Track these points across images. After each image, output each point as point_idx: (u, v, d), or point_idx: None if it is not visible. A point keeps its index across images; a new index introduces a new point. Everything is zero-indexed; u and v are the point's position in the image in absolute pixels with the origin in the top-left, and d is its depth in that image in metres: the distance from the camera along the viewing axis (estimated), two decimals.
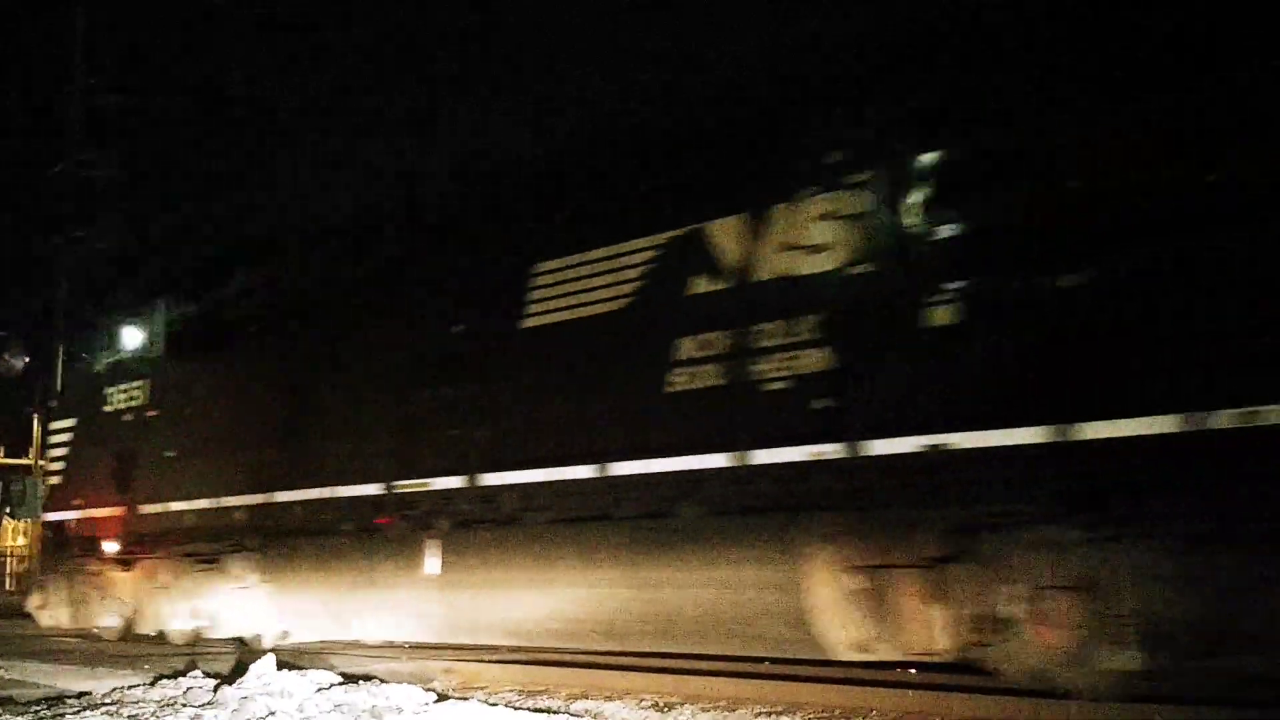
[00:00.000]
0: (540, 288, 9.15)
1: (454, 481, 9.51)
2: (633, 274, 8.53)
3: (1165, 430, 6.02)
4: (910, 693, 7.40)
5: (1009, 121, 6.91)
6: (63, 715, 7.48)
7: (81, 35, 30.55)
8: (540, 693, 8.69)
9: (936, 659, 7.36)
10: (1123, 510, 6.40)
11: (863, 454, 7.18)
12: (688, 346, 8.08)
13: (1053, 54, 6.92)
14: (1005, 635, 6.91)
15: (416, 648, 11.28)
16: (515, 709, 7.31)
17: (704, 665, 8.93)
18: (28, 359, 16.15)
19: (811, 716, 7.31)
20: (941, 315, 6.93)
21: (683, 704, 7.91)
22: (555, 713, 7.68)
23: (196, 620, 12.42)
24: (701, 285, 8.12)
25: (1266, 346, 5.78)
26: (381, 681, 7.97)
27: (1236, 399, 5.82)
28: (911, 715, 7.20)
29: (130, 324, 13.51)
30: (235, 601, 11.83)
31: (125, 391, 13.43)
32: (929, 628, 7.21)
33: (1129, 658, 6.43)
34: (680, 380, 8.10)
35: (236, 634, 12.04)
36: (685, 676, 8.58)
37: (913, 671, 8.32)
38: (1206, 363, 5.95)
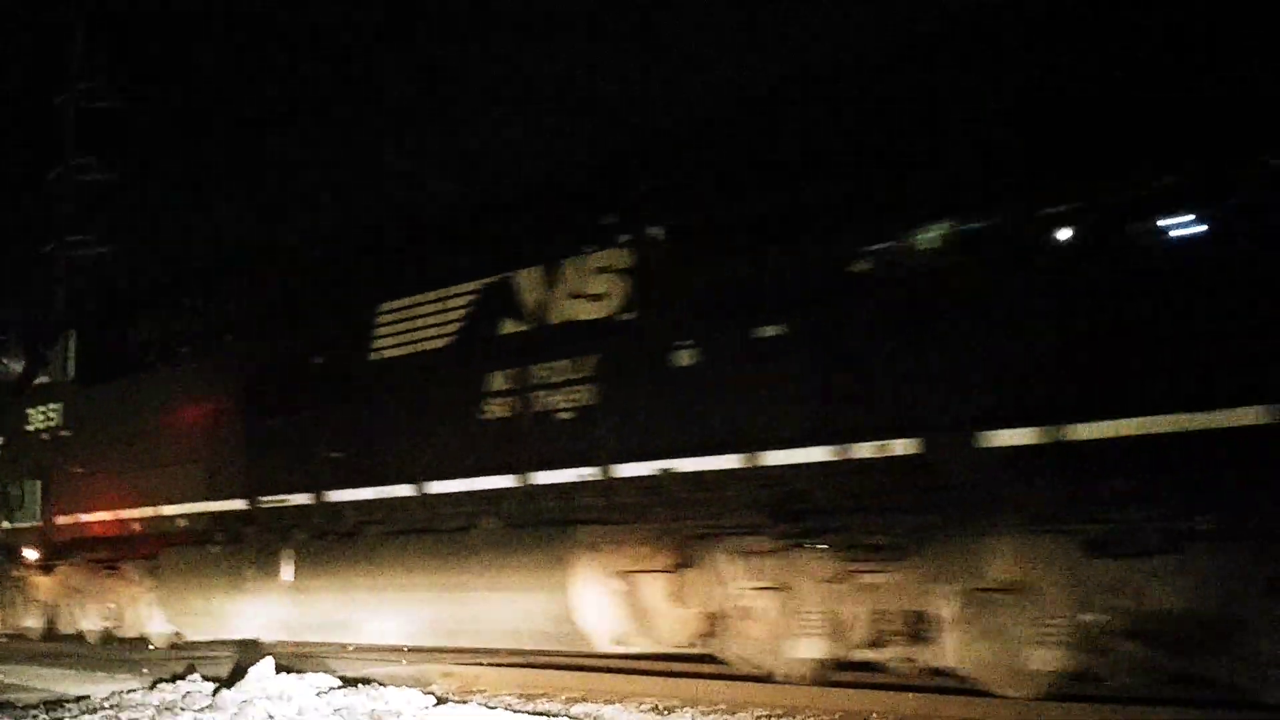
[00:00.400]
0: (384, 325, 10.34)
1: (306, 498, 10.74)
2: (456, 315, 9.73)
3: (827, 458, 7.37)
4: (910, 695, 7.40)
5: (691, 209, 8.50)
6: (61, 719, 7.49)
7: (81, 39, 30.59)
8: (540, 696, 8.68)
9: (681, 650, 8.82)
10: (811, 523, 7.74)
11: (613, 475, 8.49)
12: (496, 380, 9.27)
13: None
14: (725, 628, 8.35)
15: (416, 651, 11.28)
16: (515, 712, 7.30)
17: (705, 669, 8.92)
18: (25, 363, 16.18)
19: None
20: (680, 358, 8.21)
21: (683, 707, 7.90)
22: (555, 716, 7.67)
23: (105, 621, 13.93)
24: (509, 327, 9.31)
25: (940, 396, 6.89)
26: (381, 685, 7.97)
27: (872, 434, 7.14)
28: (910, 719, 7.20)
29: (45, 352, 14.90)
30: (136, 604, 13.37)
31: (43, 413, 14.73)
32: (673, 623, 8.66)
33: (815, 647, 7.85)
34: (488, 410, 9.29)
35: (140, 634, 13.41)
36: (685, 680, 8.58)
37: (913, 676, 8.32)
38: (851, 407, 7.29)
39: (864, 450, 7.18)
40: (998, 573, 7.01)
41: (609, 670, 9.20)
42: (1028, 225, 6.65)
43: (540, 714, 7.57)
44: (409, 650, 11.02)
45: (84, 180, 30.72)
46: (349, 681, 8.04)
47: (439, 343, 9.83)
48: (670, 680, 8.63)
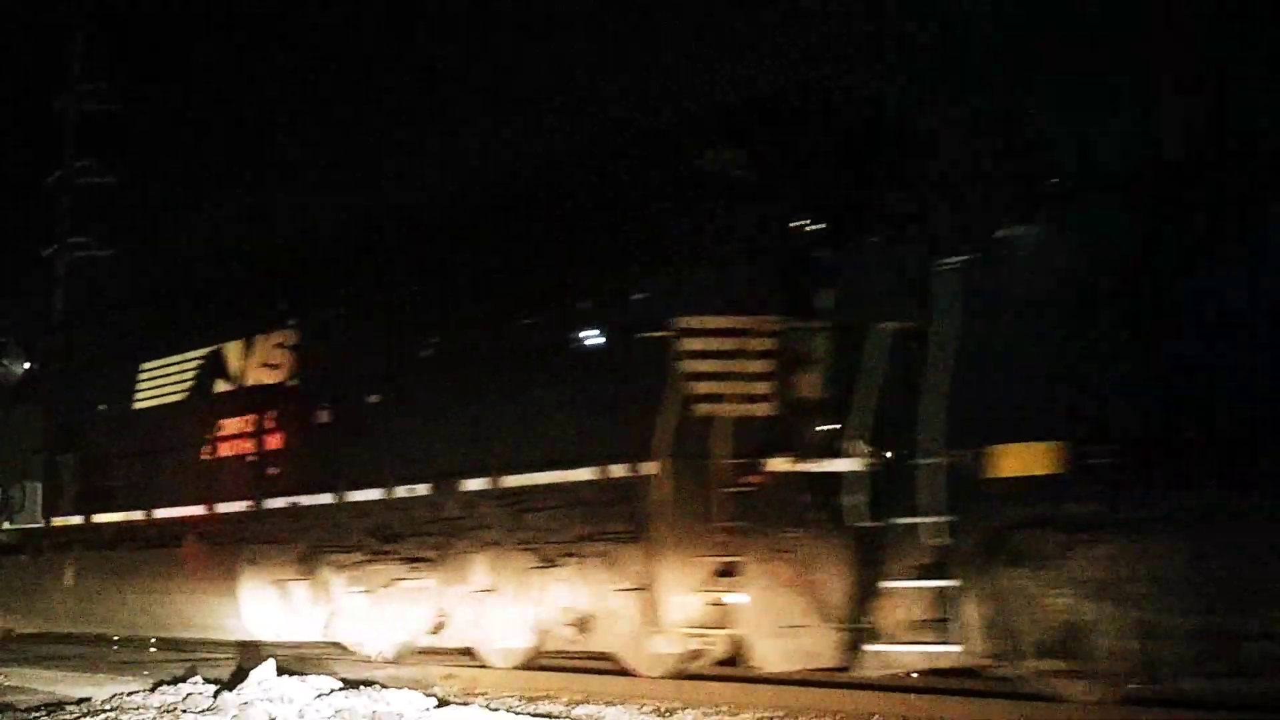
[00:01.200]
0: (144, 380, 13.16)
1: (79, 520, 13.68)
2: (189, 375, 12.51)
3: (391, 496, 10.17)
4: (911, 696, 7.40)
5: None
6: None
7: (81, 41, 30.57)
8: (541, 698, 8.68)
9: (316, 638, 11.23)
10: (384, 544, 10.34)
11: (265, 507, 11.29)
12: (208, 429, 12.02)
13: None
14: (336, 622, 10.88)
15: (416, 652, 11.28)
16: (517, 714, 7.30)
17: (707, 670, 8.92)
18: (26, 365, 16.25)
19: None
20: (319, 416, 10.99)
21: (684, 709, 7.90)
22: (557, 718, 7.68)
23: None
24: (222, 386, 12.04)
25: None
26: (382, 687, 7.95)
27: (414, 481, 9.92)
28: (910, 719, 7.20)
29: None
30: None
31: None
32: (309, 617, 11.03)
33: (392, 634, 10.44)
34: (200, 453, 12.12)
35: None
36: (687, 681, 8.57)
37: (914, 676, 8.33)
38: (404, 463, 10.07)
39: (405, 492, 9.99)
40: (481, 578, 9.50)
41: (611, 673, 9.19)
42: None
43: (542, 716, 7.57)
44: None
45: (84, 183, 30.69)
46: (350, 683, 8.03)
47: (172, 397, 12.70)
48: (672, 682, 8.62)
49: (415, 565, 10.00)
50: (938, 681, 7.94)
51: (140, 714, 7.49)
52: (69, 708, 8.03)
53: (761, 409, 8.01)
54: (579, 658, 9.65)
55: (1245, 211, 6.24)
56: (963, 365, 6.88)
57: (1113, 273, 6.55)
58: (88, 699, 8.38)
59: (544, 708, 8.18)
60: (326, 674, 8.35)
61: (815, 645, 7.75)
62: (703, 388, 8.02)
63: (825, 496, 7.54)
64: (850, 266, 7.80)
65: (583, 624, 8.82)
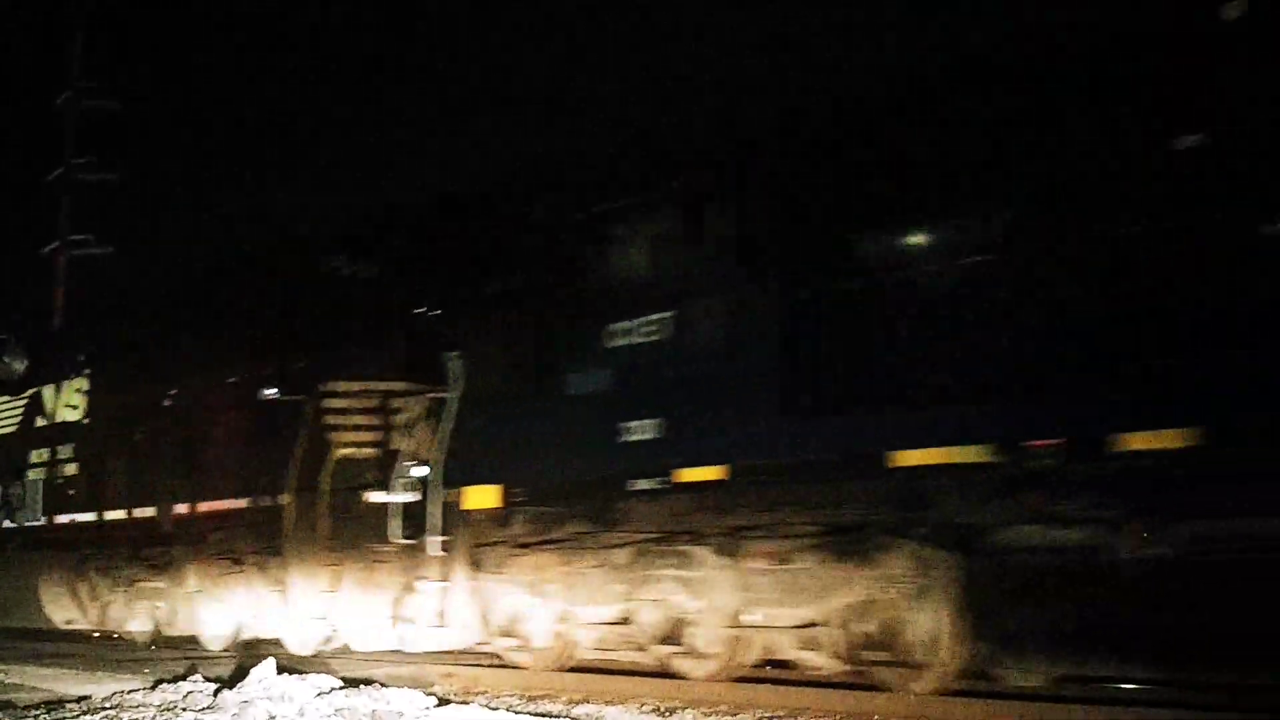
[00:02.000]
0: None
1: None
2: (20, 411, 16.04)
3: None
4: (911, 697, 7.40)
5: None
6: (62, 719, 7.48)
7: (80, 39, 30.56)
8: (542, 697, 8.68)
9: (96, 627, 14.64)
10: (144, 553, 13.77)
11: (57, 521, 14.87)
12: (34, 457, 15.49)
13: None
14: (108, 615, 14.38)
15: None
16: (516, 713, 7.29)
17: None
18: (27, 362, 16.32)
19: None
20: (99, 455, 14.43)
21: (685, 708, 7.90)
22: (557, 717, 7.67)
23: None
24: (40, 422, 15.62)
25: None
26: (382, 686, 7.94)
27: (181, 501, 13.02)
28: None
29: None
30: None
31: None
32: (92, 610, 14.49)
33: (142, 624, 13.84)
34: (30, 475, 15.44)
35: None
36: (686, 681, 8.57)
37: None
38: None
39: (142, 513, 13.38)
40: (192, 581, 12.81)
41: (611, 672, 9.19)
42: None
43: (542, 715, 7.56)
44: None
45: (84, 181, 30.69)
46: (350, 682, 8.02)
47: (14, 428, 16.11)
48: (672, 682, 8.63)
49: (151, 569, 13.45)
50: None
51: (140, 712, 7.48)
52: (69, 705, 8.02)
53: (365, 454, 10.75)
54: (578, 659, 9.67)
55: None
56: (453, 428, 9.89)
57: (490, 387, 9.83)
58: (87, 697, 8.37)
59: (544, 707, 8.18)
60: (327, 672, 8.34)
61: (385, 632, 10.49)
62: (322, 438, 10.85)
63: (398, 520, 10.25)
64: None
65: (259, 614, 11.99)
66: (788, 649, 8.12)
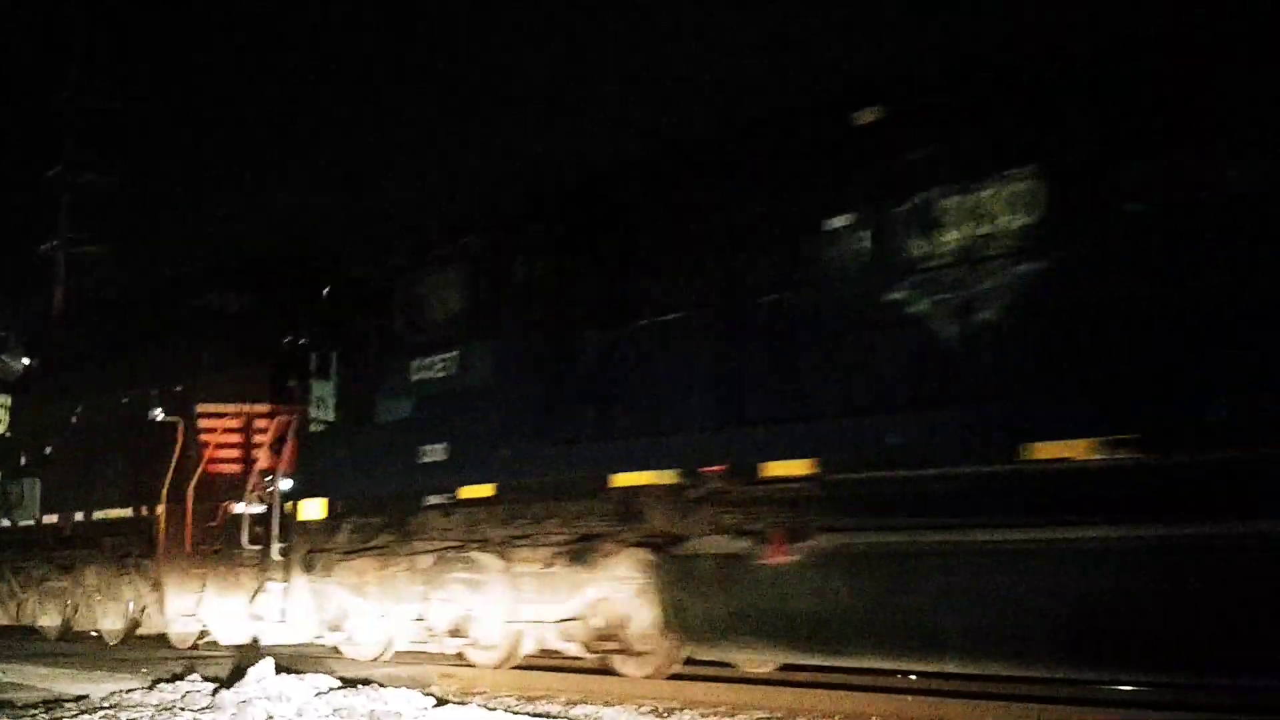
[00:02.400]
0: None
1: None
2: None
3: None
4: (909, 698, 7.41)
5: None
6: (60, 719, 7.47)
7: (80, 39, 30.55)
8: (539, 698, 8.67)
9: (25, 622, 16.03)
10: (56, 555, 15.42)
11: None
12: None
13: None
14: (27, 612, 16.07)
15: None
16: (515, 714, 7.29)
17: (705, 671, 8.92)
18: (26, 361, 16.36)
19: None
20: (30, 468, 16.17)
21: (682, 709, 7.90)
22: (555, 718, 7.67)
23: None
24: None
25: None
26: (380, 686, 7.94)
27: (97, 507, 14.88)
28: None
29: None
30: None
31: None
32: (14, 608, 16.09)
33: (50, 619, 15.51)
34: None
35: None
36: (685, 682, 8.58)
37: (913, 678, 8.33)
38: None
39: (50, 519, 15.39)
40: (90, 580, 14.76)
41: (609, 673, 9.19)
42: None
43: (540, 715, 7.56)
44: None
45: (83, 180, 30.69)
46: (348, 682, 8.02)
47: None
48: (671, 682, 8.63)
49: (60, 570, 15.11)
50: (936, 683, 7.95)
51: (138, 712, 7.48)
52: (67, 705, 8.02)
53: (230, 469, 12.78)
54: (572, 659, 9.67)
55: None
56: (296, 446, 11.89)
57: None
58: (85, 696, 8.37)
59: (542, 707, 8.18)
60: (325, 673, 8.33)
61: (243, 627, 12.25)
62: (193, 454, 12.99)
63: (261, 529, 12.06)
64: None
65: (142, 613, 13.85)
66: (552, 640, 9.44)
